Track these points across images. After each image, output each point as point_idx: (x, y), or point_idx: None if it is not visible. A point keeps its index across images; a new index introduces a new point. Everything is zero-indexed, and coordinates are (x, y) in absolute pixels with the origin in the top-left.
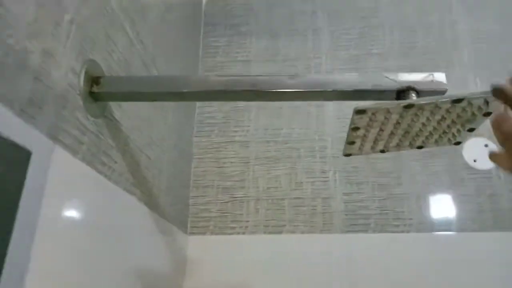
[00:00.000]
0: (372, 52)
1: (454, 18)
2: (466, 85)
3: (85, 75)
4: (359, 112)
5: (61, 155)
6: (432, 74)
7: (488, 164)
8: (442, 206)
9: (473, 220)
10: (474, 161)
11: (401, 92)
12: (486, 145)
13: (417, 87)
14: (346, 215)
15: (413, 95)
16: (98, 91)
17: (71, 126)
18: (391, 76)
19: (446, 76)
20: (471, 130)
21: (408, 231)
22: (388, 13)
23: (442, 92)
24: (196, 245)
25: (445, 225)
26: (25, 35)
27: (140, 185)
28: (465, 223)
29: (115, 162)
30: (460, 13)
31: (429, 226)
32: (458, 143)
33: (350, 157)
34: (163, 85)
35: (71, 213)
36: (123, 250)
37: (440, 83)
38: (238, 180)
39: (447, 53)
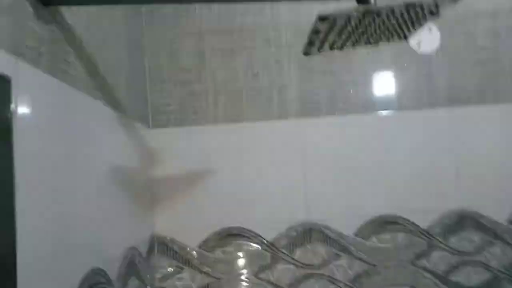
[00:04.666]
0: None
1: None
2: None
3: None
4: (322, 19)
5: (25, 70)
6: None
7: (430, 47)
8: (385, 87)
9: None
10: (418, 44)
11: None
12: (429, 29)
13: None
14: (299, 101)
15: None
16: None
17: (28, 37)
18: None
19: None
20: (419, 27)
21: (355, 112)
22: None
23: None
24: (159, 138)
25: (386, 103)
26: None
27: (102, 87)
28: (404, 102)
29: (75, 69)
30: None
31: (372, 105)
32: (406, 37)
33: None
34: None
35: (42, 126)
36: (94, 151)
37: None
38: (195, 74)
39: None
